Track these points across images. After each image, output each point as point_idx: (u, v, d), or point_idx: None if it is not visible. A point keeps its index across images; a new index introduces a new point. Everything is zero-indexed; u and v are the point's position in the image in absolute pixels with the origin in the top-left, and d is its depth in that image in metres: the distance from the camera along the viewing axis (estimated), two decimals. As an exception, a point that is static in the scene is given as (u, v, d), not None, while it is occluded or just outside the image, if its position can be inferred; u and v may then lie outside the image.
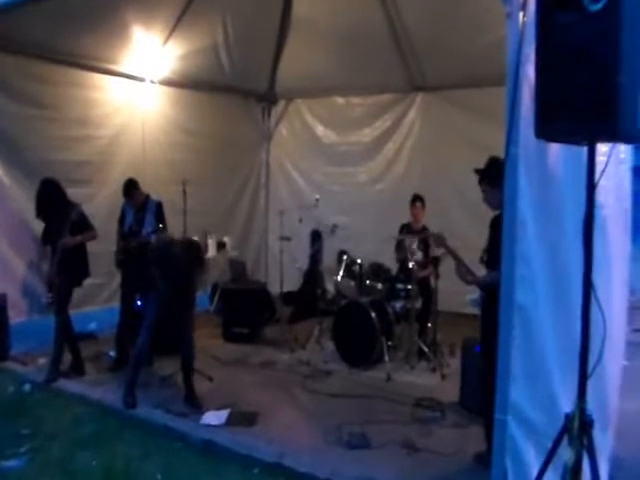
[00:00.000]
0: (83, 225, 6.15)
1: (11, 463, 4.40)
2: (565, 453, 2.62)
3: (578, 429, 2.55)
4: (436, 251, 6.23)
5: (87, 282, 6.45)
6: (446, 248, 5.06)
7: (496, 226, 4.02)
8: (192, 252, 5.39)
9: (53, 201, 5.99)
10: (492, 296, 3.44)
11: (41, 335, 6.31)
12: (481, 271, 4.33)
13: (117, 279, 7.12)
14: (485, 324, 4.21)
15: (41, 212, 6.03)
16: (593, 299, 2.58)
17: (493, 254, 4.03)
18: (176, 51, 8.17)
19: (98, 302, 7.92)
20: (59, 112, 7.37)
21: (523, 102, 2.97)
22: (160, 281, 5.34)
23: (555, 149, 3.05)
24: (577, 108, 2.46)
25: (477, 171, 4.25)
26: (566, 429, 2.61)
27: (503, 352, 3.11)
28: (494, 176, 3.99)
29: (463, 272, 4.46)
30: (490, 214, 4.19)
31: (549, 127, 2.62)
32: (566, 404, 2.86)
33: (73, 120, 7.53)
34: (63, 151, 7.41)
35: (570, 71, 2.46)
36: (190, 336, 5.69)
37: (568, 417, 2.61)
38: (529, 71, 2.91)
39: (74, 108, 7.53)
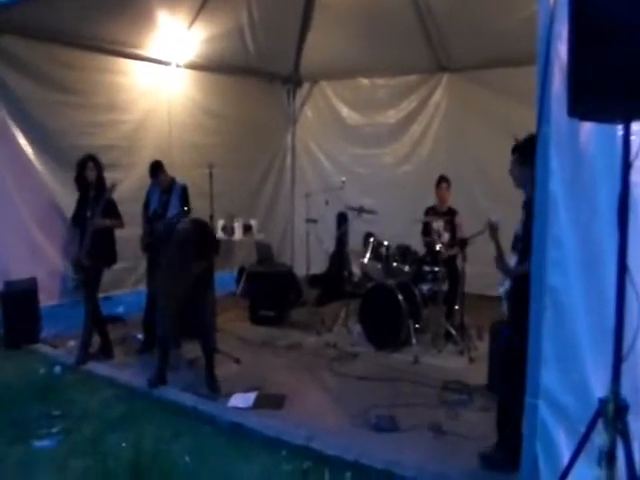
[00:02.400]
0: (114, 209, 6.22)
1: (43, 443, 4.47)
2: (598, 438, 2.58)
3: (612, 414, 2.51)
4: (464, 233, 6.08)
5: (115, 266, 6.50)
6: (495, 239, 4.75)
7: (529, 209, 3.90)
8: (197, 233, 5.40)
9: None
10: (523, 282, 3.34)
11: (71, 318, 6.40)
12: (512, 258, 4.19)
13: (144, 263, 7.17)
14: (514, 309, 4.08)
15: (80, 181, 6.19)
16: (628, 282, 2.52)
17: (528, 240, 3.88)
18: (201, 35, 8.16)
19: (125, 286, 8.00)
20: (86, 97, 7.42)
21: (554, 80, 2.91)
22: (162, 261, 5.48)
23: (587, 128, 2.96)
24: (611, 86, 2.38)
25: (515, 141, 4.04)
26: (600, 414, 2.57)
27: (534, 335, 3.07)
28: (527, 152, 3.86)
29: (505, 264, 4.28)
30: (516, 195, 4.09)
31: (582, 105, 2.53)
32: (598, 389, 2.81)
33: (100, 105, 7.59)
34: (90, 136, 7.44)
35: (604, 48, 2.38)
36: (208, 319, 5.69)
37: (602, 402, 2.57)
38: (560, 49, 2.85)
39: (101, 93, 7.58)
